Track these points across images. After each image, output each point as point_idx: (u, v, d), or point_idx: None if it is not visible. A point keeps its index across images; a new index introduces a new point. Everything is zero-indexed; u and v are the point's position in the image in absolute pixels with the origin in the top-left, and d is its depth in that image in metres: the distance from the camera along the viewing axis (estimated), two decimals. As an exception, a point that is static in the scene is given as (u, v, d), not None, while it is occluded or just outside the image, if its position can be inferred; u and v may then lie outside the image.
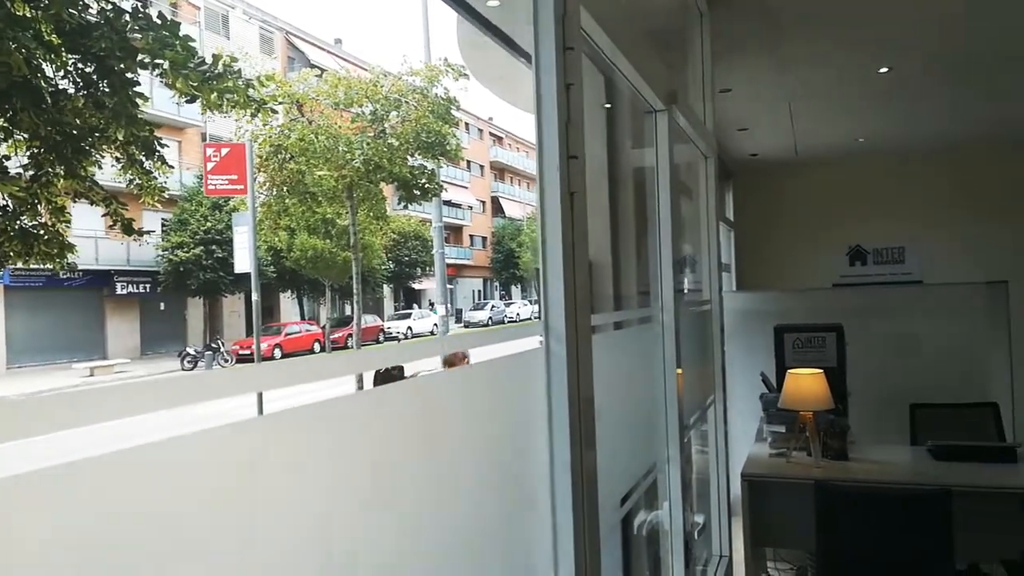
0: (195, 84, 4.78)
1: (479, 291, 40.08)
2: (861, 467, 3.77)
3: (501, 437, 1.20)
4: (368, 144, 13.39)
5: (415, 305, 31.03)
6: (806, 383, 3.89)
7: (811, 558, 3.62)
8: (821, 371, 4.01)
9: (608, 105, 3.10)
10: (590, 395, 1.33)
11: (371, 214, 15.31)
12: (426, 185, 14.16)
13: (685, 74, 3.25)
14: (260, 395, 7.37)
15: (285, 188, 13.96)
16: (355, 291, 15.02)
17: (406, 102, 13.69)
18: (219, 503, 0.70)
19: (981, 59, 4.33)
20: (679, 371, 2.23)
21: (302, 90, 13.68)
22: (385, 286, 27.49)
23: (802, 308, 5.59)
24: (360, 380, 7.26)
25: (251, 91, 5.18)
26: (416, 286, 30.71)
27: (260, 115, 5.77)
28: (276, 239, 17.37)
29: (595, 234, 3.09)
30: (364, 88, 13.82)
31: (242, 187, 11.18)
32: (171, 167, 6.22)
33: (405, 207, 16.91)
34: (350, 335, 17.52)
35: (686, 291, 3.98)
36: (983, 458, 3.76)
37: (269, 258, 19.65)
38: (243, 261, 10.66)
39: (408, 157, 13.87)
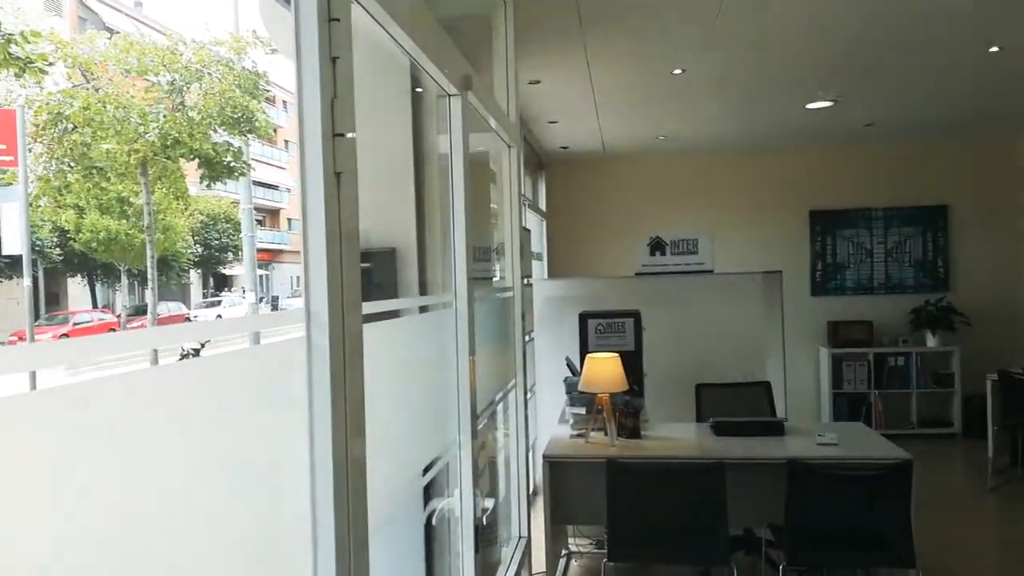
0: (-66, 36, 4.09)
1: (299, 277, 38.52)
2: (652, 444, 4.02)
3: (263, 426, 1.12)
4: (165, 117, 12.30)
5: (226, 291, 29.27)
6: (603, 366, 4.07)
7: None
8: (617, 355, 4.21)
9: (419, 90, 3.04)
10: (359, 384, 1.27)
11: (170, 193, 14.16)
12: (232, 163, 13.28)
13: (488, 61, 3.26)
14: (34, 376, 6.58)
15: (68, 161, 12.53)
16: (150, 276, 13.85)
17: (209, 73, 12.73)
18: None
19: (764, 67, 4.73)
20: (472, 357, 2.23)
21: (87, 53, 12.31)
22: (193, 271, 25.66)
23: (608, 295, 5.86)
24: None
25: (13, 48, 4.53)
26: (227, 271, 28.97)
27: (28, 76, 5.07)
28: (62, 218, 15.59)
29: (400, 220, 3.03)
30: (160, 55, 12.67)
31: (12, 159, 9.88)
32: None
33: (208, 186, 15.80)
34: (151, 324, 16.19)
35: (496, 278, 4.03)
36: (756, 432, 4.14)
37: (54, 239, 17.63)
38: (12, 242, 9.44)
39: (211, 132, 12.93)
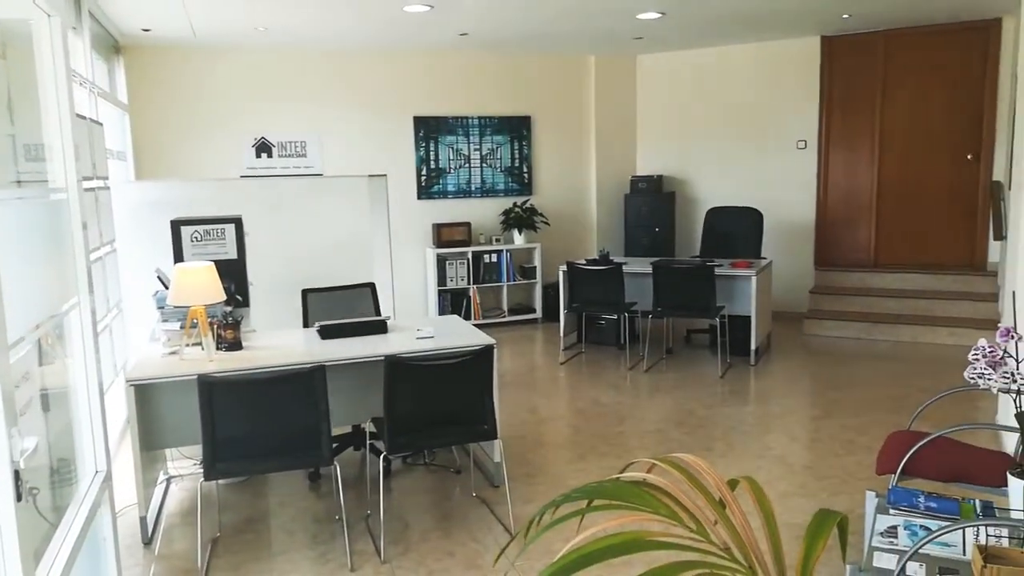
0: None
1: None
2: (255, 355, 3.85)
3: None
4: None
5: None
6: (195, 277, 3.74)
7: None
8: (212, 264, 3.91)
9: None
10: None
11: None
12: None
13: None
14: None
15: None
16: None
17: None
18: None
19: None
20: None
21: None
22: None
23: (210, 200, 5.39)
24: None
25: None
26: None
27: None
28: None
29: None
30: None
31: None
32: None
33: None
34: None
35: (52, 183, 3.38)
36: (360, 332, 4.22)
37: None
38: None
39: None
